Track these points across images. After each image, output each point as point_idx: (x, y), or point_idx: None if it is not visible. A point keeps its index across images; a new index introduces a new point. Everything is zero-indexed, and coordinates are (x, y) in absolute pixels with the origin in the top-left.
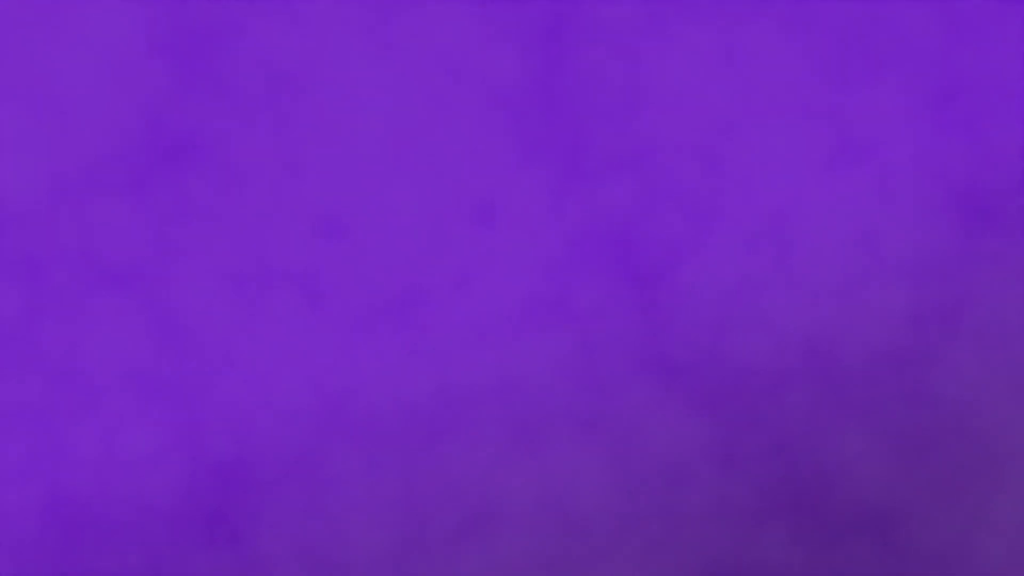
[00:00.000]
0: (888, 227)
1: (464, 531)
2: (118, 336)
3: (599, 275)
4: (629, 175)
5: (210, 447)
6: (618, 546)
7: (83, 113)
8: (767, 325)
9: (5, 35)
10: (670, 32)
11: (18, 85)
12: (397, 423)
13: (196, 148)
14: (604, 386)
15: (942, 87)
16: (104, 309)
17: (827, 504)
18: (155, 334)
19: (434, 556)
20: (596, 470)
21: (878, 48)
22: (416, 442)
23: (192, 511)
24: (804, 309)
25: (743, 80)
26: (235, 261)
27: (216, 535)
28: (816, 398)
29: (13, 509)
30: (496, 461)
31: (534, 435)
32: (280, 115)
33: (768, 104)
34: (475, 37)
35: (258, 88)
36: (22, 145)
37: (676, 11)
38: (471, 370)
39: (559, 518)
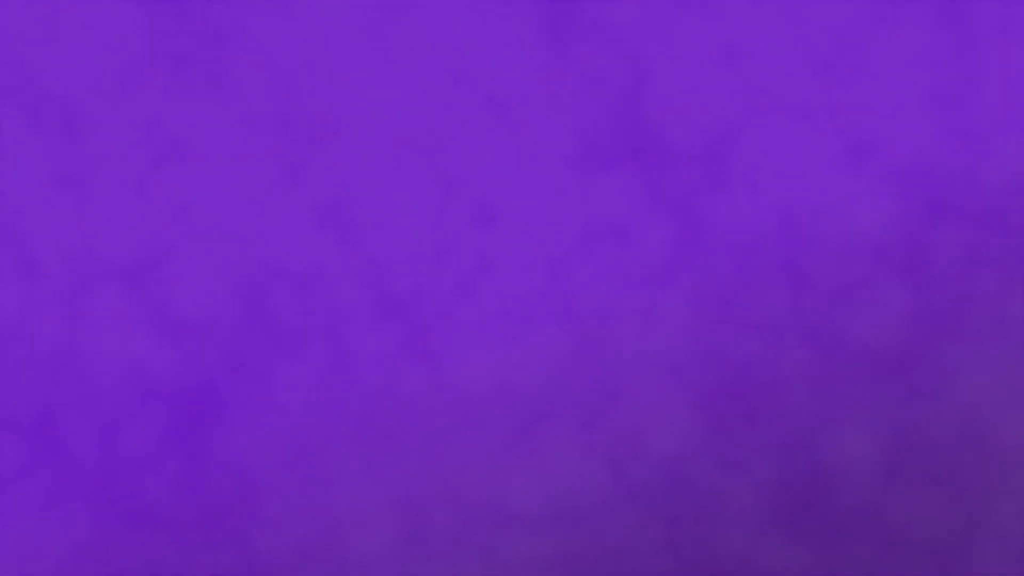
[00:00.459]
0: (889, 226)
1: (464, 531)
2: (118, 335)
3: (600, 275)
4: (630, 175)
5: (209, 446)
6: (618, 546)
7: (83, 112)
8: (768, 324)
9: (5, 35)
10: (671, 32)
11: (18, 85)
12: (397, 423)
13: (196, 148)
14: (604, 386)
15: (942, 87)
16: (104, 308)
17: (827, 504)
18: (154, 334)
19: (434, 556)
20: (596, 470)
21: (879, 48)
22: (416, 442)
23: (192, 511)
24: (804, 309)
25: (744, 80)
26: (235, 261)
27: (216, 535)
28: (816, 398)
29: (13, 509)
30: (496, 461)
31: (534, 435)
32: (280, 115)
33: (768, 104)
34: (475, 37)
35: (258, 88)
36: (22, 145)
37: (677, 11)
38: (471, 370)
39: (559, 518)
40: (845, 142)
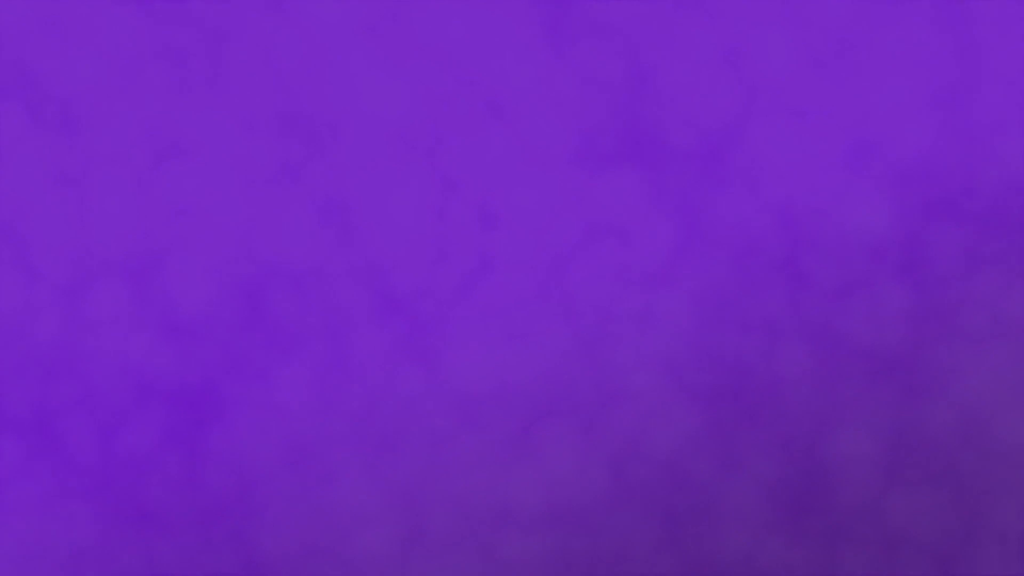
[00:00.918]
0: (889, 226)
1: (464, 531)
2: (118, 335)
3: (600, 275)
4: (630, 175)
5: (209, 446)
6: (618, 546)
7: (83, 112)
8: (767, 324)
9: (5, 35)
10: (672, 32)
11: (18, 85)
12: (397, 423)
13: (196, 147)
14: (604, 386)
15: (943, 87)
16: (104, 308)
17: (827, 504)
18: (154, 334)
19: (434, 556)
20: (596, 470)
21: (879, 48)
22: (416, 442)
23: (191, 510)
24: (804, 309)
25: (744, 80)
26: (235, 261)
27: (216, 535)
28: (816, 397)
29: (13, 509)
30: (496, 461)
31: (535, 435)
32: (280, 115)
33: (769, 104)
34: (476, 37)
35: (258, 88)
36: (22, 145)
37: (676, 10)
38: (471, 370)
39: (559, 518)
40: (845, 142)
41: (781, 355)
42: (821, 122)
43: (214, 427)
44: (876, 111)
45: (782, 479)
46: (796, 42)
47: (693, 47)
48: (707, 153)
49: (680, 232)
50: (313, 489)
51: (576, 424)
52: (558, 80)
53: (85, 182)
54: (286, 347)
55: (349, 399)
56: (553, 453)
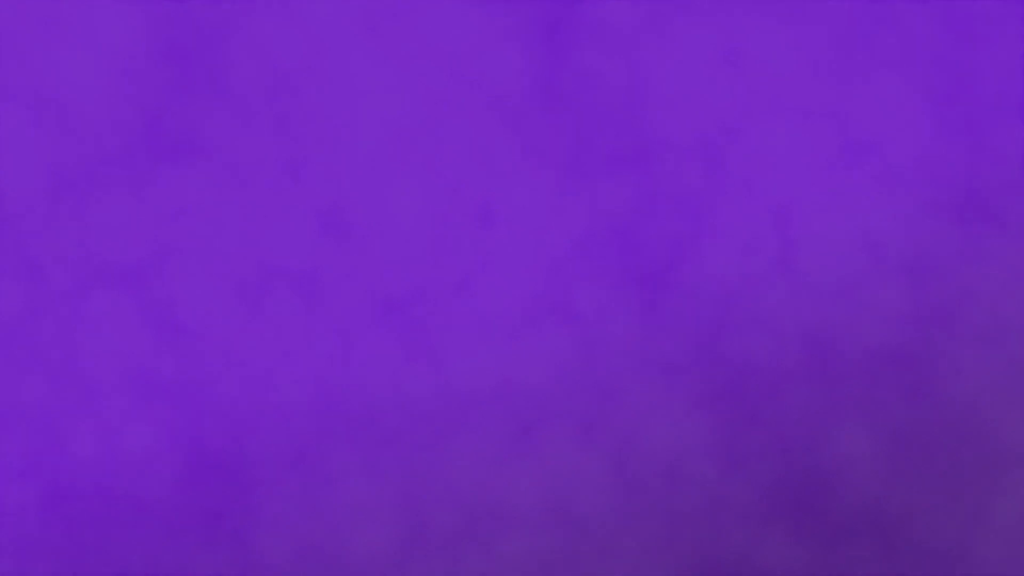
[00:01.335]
0: (888, 226)
1: (464, 531)
2: (118, 336)
3: (600, 275)
4: (630, 175)
5: (209, 446)
6: (618, 546)
7: (83, 113)
8: (767, 324)
9: (5, 35)
10: (671, 32)
11: (18, 85)
12: (397, 423)
13: (196, 148)
14: (604, 386)
15: (942, 87)
16: (104, 309)
17: (827, 504)
18: (155, 334)
19: (434, 556)
20: (596, 470)
21: (879, 48)
22: (416, 442)
23: (191, 510)
24: (804, 308)
25: (744, 80)
26: (235, 261)
27: (216, 535)
28: (816, 397)
29: (13, 509)
30: (497, 461)
31: (535, 435)
32: (280, 115)
33: (769, 104)
34: (476, 38)
35: (258, 88)
36: (22, 145)
37: (676, 11)
38: (471, 370)
39: (559, 518)
40: (845, 142)
41: (781, 355)
42: (820, 122)
43: (214, 427)
44: (876, 111)
45: (782, 479)
46: (795, 42)
47: (694, 47)
48: (707, 153)
49: (680, 232)
50: (313, 488)
51: (576, 424)
52: (558, 81)
53: (85, 182)
54: (286, 347)
55: (349, 399)
56: (553, 453)
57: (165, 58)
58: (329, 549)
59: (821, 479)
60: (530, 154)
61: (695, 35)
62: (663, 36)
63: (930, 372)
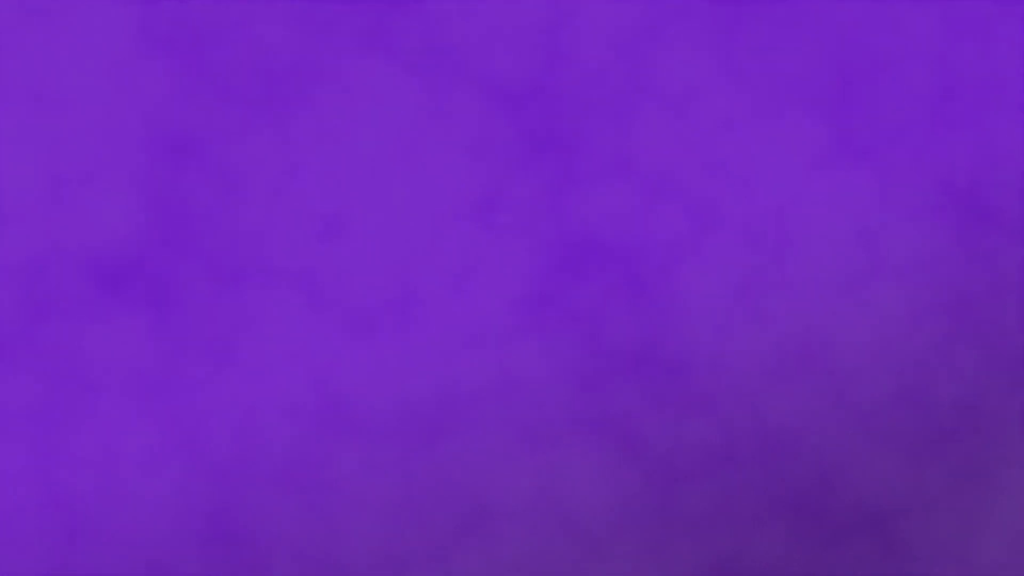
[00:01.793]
0: (888, 227)
1: (464, 531)
2: (118, 336)
3: (599, 275)
4: (628, 175)
5: (210, 447)
6: (618, 546)
7: (83, 113)
8: (767, 325)
9: (5, 35)
10: (669, 32)
11: (18, 85)
12: (397, 423)
13: (196, 148)
14: (604, 386)
15: (942, 87)
16: (104, 309)
17: (827, 504)
18: (155, 334)
19: (434, 556)
20: (596, 470)
21: (878, 48)
22: (416, 442)
23: (191, 511)
24: (804, 309)
25: (743, 80)
26: (235, 261)
27: (215, 535)
28: (816, 398)
29: (13, 509)
30: (496, 461)
31: (534, 435)
32: (280, 115)
33: (767, 104)
34: (474, 37)
35: (258, 88)
36: (22, 145)
37: (675, 11)
38: (470, 370)
39: (559, 518)
40: (844, 142)
41: (781, 355)
42: (820, 122)
43: (214, 427)
44: (876, 111)
45: (782, 479)
46: (793, 42)
47: (692, 47)
48: (705, 153)
49: (679, 232)
50: (313, 489)
51: (576, 424)
52: (555, 80)
53: (85, 182)
54: (286, 347)
55: (348, 399)
56: (553, 453)
57: (166, 58)
58: (329, 549)
59: (821, 479)
60: (528, 154)
61: (693, 35)
62: (662, 36)
63: (930, 372)
